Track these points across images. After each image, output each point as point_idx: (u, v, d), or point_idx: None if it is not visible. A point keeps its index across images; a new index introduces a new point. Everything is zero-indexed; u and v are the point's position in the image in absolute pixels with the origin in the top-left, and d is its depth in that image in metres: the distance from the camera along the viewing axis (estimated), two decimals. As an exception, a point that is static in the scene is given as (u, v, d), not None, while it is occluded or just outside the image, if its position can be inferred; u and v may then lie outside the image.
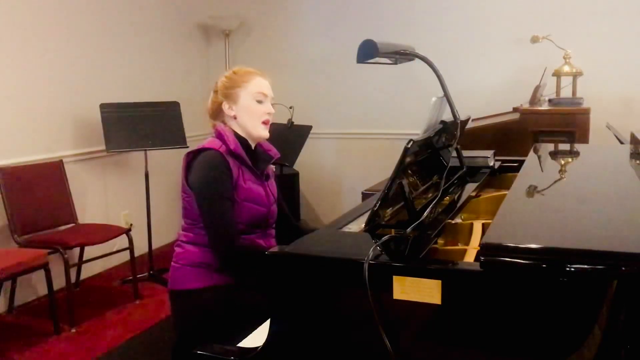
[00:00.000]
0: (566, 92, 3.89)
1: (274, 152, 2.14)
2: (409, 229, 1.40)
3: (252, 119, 2.00)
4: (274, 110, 2.05)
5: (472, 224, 1.77)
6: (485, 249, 1.18)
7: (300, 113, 4.49)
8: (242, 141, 2.01)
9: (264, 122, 2.02)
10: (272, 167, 2.20)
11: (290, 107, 4.40)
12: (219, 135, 1.99)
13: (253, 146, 2.06)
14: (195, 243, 1.97)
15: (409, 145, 1.50)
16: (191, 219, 1.98)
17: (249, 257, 1.91)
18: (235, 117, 2.01)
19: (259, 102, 2.00)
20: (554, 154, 2.51)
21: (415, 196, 1.69)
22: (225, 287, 1.94)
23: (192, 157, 1.96)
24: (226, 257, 1.90)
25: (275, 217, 2.10)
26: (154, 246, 4.23)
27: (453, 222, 1.78)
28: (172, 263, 2.03)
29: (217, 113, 2.05)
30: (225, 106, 2.01)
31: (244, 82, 2.00)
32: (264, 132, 2.03)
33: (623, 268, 1.09)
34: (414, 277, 1.23)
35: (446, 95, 1.99)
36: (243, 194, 1.94)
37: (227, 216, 1.88)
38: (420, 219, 1.51)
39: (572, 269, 1.12)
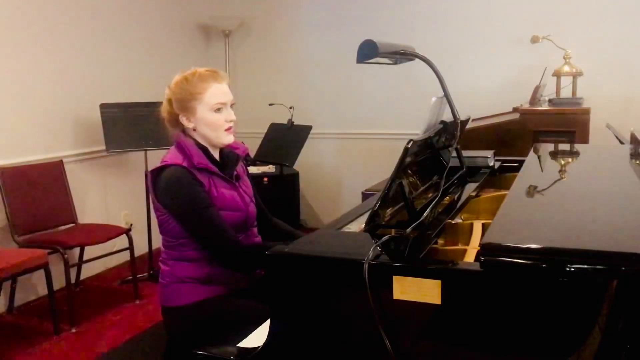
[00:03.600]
0: (566, 92, 3.90)
1: (242, 149, 2.05)
2: (409, 229, 1.40)
3: (212, 129, 1.89)
4: (234, 116, 1.93)
5: (472, 224, 1.77)
6: (485, 249, 1.18)
7: (300, 113, 4.50)
8: (206, 151, 1.92)
9: (227, 130, 1.91)
10: (242, 165, 2.10)
11: (290, 107, 4.41)
12: (180, 148, 1.89)
13: (217, 152, 1.98)
14: (179, 259, 1.92)
15: (409, 145, 1.50)
16: (170, 236, 1.91)
17: (255, 254, 1.87)
18: (194, 129, 1.91)
19: (218, 110, 1.89)
20: (554, 154, 2.51)
21: (415, 196, 1.69)
22: (215, 299, 1.91)
23: (156, 175, 1.87)
24: (235, 263, 1.86)
25: (254, 216, 2.04)
26: (154, 246, 4.22)
27: (453, 222, 1.78)
28: (160, 280, 1.98)
29: (175, 123, 1.94)
30: (182, 119, 1.90)
31: (198, 93, 1.87)
32: (227, 139, 1.92)
33: (623, 268, 1.09)
34: (414, 277, 1.23)
35: (446, 95, 1.98)
36: (217, 203, 1.87)
37: (217, 224, 1.83)
38: (420, 219, 1.51)
39: (572, 269, 1.12)
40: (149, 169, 4.01)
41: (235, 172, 2.01)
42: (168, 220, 1.88)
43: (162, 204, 1.87)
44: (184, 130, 1.94)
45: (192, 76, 1.90)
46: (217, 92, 1.89)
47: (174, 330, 1.97)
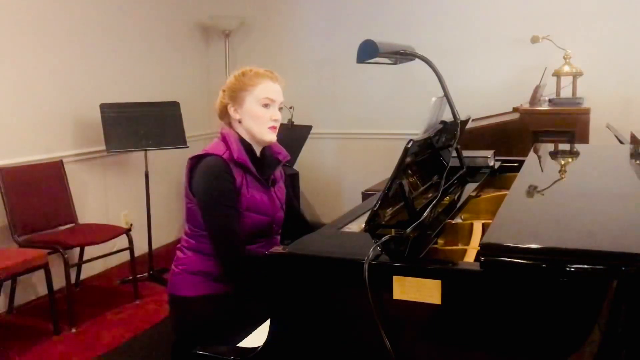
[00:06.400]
0: (566, 92, 3.89)
1: (284, 154, 2.07)
2: (409, 229, 1.40)
3: (256, 124, 1.92)
4: (280, 117, 1.96)
5: (472, 224, 1.77)
6: (485, 249, 1.18)
7: (300, 113, 4.50)
8: (247, 147, 1.94)
9: (270, 128, 1.94)
10: (281, 169, 2.13)
11: (290, 107, 4.42)
12: (224, 140, 1.94)
13: (259, 151, 2.00)
14: (196, 250, 1.95)
15: (409, 145, 1.50)
16: (193, 225, 1.95)
17: (254, 266, 1.86)
18: (240, 121, 1.95)
19: (265, 106, 1.92)
20: (554, 154, 2.51)
21: (415, 196, 1.69)
22: (222, 296, 1.92)
23: (195, 162, 1.91)
24: (231, 267, 1.87)
25: (280, 223, 2.05)
26: (154, 246, 4.23)
27: (453, 222, 1.78)
28: (172, 266, 2.01)
29: (223, 114, 2.00)
30: (230, 109, 1.95)
31: (251, 85, 1.92)
32: (270, 136, 1.95)
33: (623, 268, 1.09)
34: (414, 277, 1.23)
35: (446, 95, 1.99)
36: (246, 203, 1.89)
37: (231, 225, 1.84)
38: (420, 219, 1.51)
39: (572, 269, 1.12)
40: (149, 168, 4.08)
41: (272, 177, 2.03)
42: (194, 210, 1.91)
43: (193, 191, 1.91)
44: (230, 124, 1.99)
45: (249, 71, 1.97)
46: (269, 88, 1.94)
47: (177, 319, 2.00)
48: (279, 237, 2.08)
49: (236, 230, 1.85)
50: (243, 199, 1.89)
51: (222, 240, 1.86)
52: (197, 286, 1.93)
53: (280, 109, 1.98)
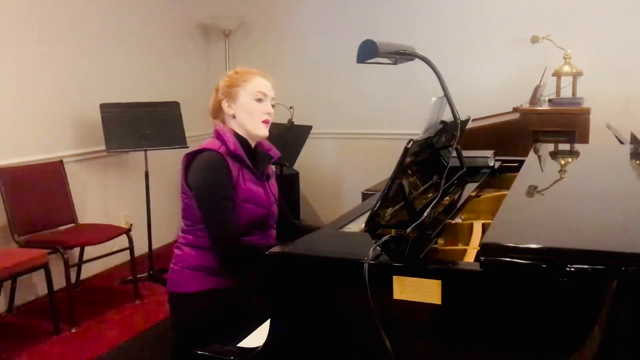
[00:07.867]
0: (566, 92, 3.90)
1: (274, 152, 2.14)
2: (409, 229, 1.40)
3: (250, 117, 1.99)
4: (273, 111, 2.04)
5: (472, 224, 1.77)
6: (485, 249, 1.18)
7: (300, 113, 4.50)
8: (242, 141, 2.00)
9: (263, 122, 2.01)
10: (273, 167, 2.20)
11: (290, 107, 4.41)
12: (218, 136, 1.98)
13: (253, 145, 2.05)
14: (194, 246, 1.97)
15: (409, 145, 1.50)
16: (190, 220, 1.98)
17: (250, 255, 1.90)
18: (234, 116, 2.00)
19: (258, 100, 1.99)
20: (554, 154, 2.51)
21: (415, 196, 1.69)
22: (223, 291, 1.94)
23: (191, 158, 1.95)
24: (227, 256, 1.90)
25: (275, 217, 2.10)
26: (154, 246, 4.23)
27: (453, 222, 1.78)
28: (171, 265, 2.03)
29: (217, 112, 2.05)
30: (224, 104, 2.01)
31: (244, 81, 1.99)
32: (262, 131, 2.02)
33: (623, 268, 1.09)
34: (414, 277, 1.23)
35: (446, 95, 1.98)
36: (242, 194, 1.93)
37: (227, 215, 1.88)
38: (420, 219, 1.51)
39: (572, 269, 1.12)
40: (149, 168, 4.08)
41: (266, 172, 2.09)
42: (191, 205, 1.94)
43: (189, 185, 1.94)
44: (223, 122, 2.04)
45: (242, 69, 2.06)
46: (261, 83, 2.02)
47: (178, 317, 2.00)
48: (274, 232, 2.11)
49: (232, 220, 1.89)
50: (240, 191, 1.92)
51: (218, 229, 1.88)
52: (197, 282, 1.95)
53: (272, 106, 2.04)
